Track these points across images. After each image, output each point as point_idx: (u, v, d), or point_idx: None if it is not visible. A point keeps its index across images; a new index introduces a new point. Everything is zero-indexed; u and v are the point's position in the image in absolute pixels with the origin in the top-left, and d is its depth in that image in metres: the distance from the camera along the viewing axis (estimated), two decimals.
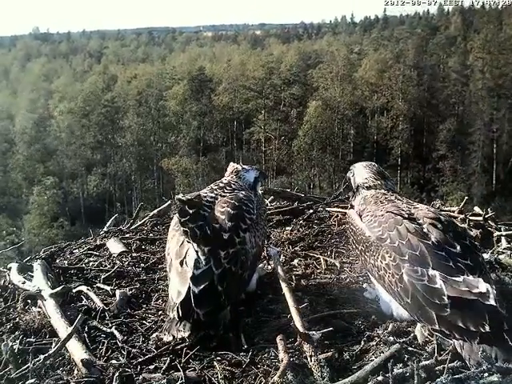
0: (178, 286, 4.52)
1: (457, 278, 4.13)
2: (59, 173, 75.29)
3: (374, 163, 5.66)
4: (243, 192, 5.33)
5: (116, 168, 78.22)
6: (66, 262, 6.34)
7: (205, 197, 5.08)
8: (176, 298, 4.46)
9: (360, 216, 5.17)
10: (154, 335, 4.55)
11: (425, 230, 4.53)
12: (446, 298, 4.06)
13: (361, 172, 5.59)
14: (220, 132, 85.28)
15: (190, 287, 4.41)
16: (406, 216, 4.69)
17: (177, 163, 72.66)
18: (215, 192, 5.22)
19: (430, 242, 4.40)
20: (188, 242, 4.66)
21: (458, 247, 4.39)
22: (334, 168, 76.78)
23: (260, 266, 5.57)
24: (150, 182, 79.19)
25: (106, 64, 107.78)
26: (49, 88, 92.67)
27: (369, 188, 5.41)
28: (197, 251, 4.57)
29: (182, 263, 4.61)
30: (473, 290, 4.03)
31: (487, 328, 3.85)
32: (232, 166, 5.84)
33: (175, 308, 4.41)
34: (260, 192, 6.03)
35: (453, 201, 58.85)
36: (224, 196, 5.15)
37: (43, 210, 62.69)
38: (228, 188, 5.35)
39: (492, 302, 3.94)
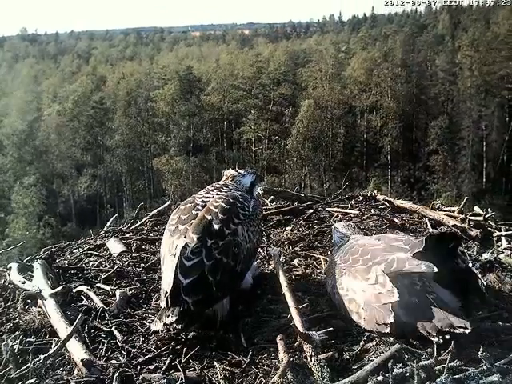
0: (168, 276, 4.54)
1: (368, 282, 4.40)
2: (49, 174, 75.09)
3: (349, 224, 5.82)
4: (239, 192, 5.33)
5: (106, 169, 78.11)
6: (65, 261, 6.33)
7: (200, 198, 5.12)
8: (166, 289, 4.50)
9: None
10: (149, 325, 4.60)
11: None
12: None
13: (337, 227, 5.71)
14: (210, 132, 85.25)
15: (177, 277, 4.43)
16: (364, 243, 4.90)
17: (167, 163, 72.56)
18: (211, 193, 5.22)
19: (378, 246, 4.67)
20: (179, 237, 4.71)
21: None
22: (324, 167, 76.96)
23: (254, 264, 5.57)
24: (140, 183, 79.05)
25: (94, 65, 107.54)
26: (38, 89, 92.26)
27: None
28: (187, 243, 4.59)
29: (172, 255, 4.64)
30: (382, 290, 4.25)
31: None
32: (227, 172, 5.77)
33: (165, 298, 4.45)
34: (259, 192, 6.02)
35: (443, 199, 59.23)
36: (220, 194, 5.17)
37: (28, 211, 62.25)
38: (224, 188, 5.35)
39: (395, 298, 4.13)
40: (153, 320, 4.63)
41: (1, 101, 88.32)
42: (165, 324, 4.37)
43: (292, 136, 76.26)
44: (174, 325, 4.36)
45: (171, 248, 4.71)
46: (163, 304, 4.49)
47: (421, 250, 4.33)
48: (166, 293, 4.44)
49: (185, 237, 4.67)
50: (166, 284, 4.53)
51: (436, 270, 4.14)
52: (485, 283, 4.60)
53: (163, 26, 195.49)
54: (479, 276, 4.61)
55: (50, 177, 75.55)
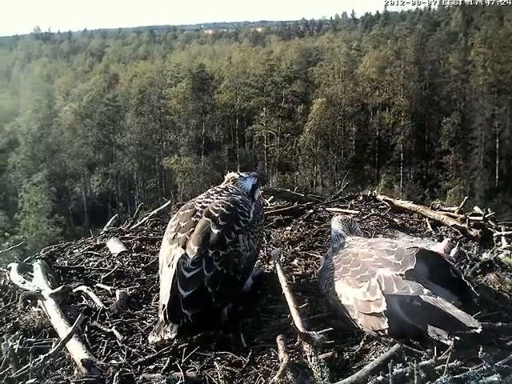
0: (166, 288, 4.51)
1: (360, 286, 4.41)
2: (62, 172, 75.40)
3: (347, 218, 5.75)
4: (240, 196, 5.26)
5: (118, 168, 78.34)
6: (65, 261, 6.32)
7: (200, 203, 5.05)
8: (163, 301, 4.47)
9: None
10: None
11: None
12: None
13: (333, 227, 5.64)
14: (222, 129, 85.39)
15: (176, 289, 4.41)
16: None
17: (178, 162, 72.64)
18: (211, 197, 5.14)
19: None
20: (177, 247, 4.67)
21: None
22: (336, 165, 76.87)
23: (255, 265, 5.55)
24: (152, 182, 79.24)
25: (107, 63, 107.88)
26: (50, 88, 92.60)
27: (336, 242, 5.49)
28: (186, 254, 4.55)
29: (170, 266, 4.60)
30: (371, 298, 4.27)
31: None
32: (229, 175, 5.68)
33: (162, 311, 4.42)
34: (260, 193, 5.99)
35: (455, 196, 58.98)
36: (220, 199, 5.11)
37: (37, 208, 62.41)
38: (225, 192, 5.28)
39: (383, 307, 4.12)
40: (151, 330, 4.59)
41: (14, 99, 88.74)
42: (163, 339, 4.35)
43: (304, 133, 76.27)
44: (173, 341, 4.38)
45: (169, 258, 4.66)
46: (161, 316, 4.46)
47: (412, 267, 4.29)
48: (164, 306, 4.41)
49: (183, 247, 4.62)
50: (163, 296, 4.51)
51: (425, 292, 4.10)
52: (478, 294, 4.55)
53: (176, 24, 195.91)
54: (471, 287, 4.56)
55: (63, 175, 75.90)
